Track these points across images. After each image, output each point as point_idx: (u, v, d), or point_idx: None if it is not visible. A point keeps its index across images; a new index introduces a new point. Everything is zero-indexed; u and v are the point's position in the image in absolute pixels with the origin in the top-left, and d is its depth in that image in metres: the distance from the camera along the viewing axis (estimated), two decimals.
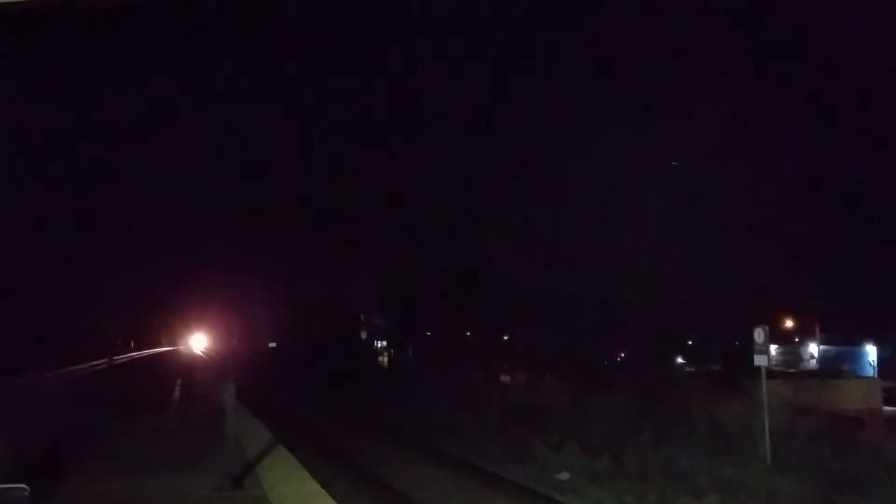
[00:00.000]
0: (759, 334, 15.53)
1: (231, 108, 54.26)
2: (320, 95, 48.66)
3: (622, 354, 35.74)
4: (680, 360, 40.69)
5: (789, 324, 42.14)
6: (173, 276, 54.26)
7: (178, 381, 23.05)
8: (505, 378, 33.36)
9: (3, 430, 12.16)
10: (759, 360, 15.48)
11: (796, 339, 44.59)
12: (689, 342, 39.95)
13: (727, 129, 24.77)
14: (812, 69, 29.78)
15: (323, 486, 11.94)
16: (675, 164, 26.94)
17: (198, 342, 50.17)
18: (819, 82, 29.83)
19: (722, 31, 25.60)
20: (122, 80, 44.80)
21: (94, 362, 34.91)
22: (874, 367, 38.17)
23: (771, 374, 18.66)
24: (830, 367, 37.74)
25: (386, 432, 21.12)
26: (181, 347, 57.07)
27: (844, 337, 40.95)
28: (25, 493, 3.55)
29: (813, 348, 42.40)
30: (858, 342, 40.02)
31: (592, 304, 28.91)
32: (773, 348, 29.93)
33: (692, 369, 38.23)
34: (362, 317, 50.17)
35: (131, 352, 53.54)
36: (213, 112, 52.80)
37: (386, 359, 50.12)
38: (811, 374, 37.28)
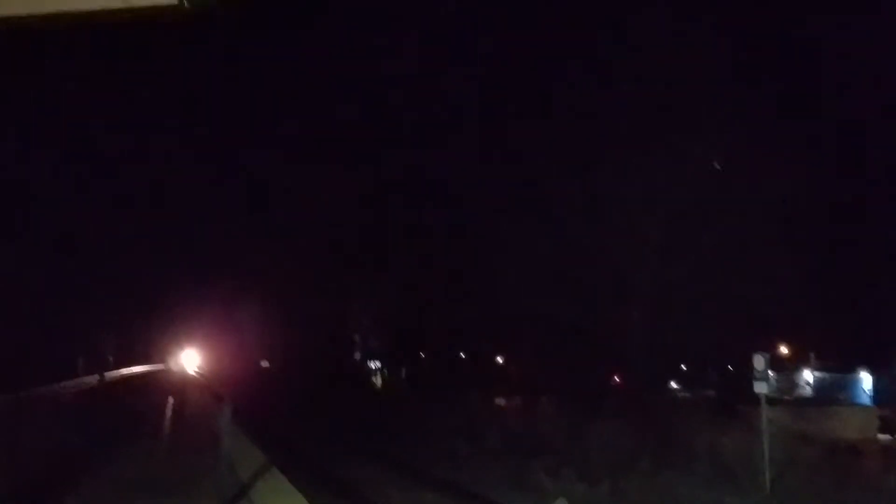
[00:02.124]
0: (759, 361, 15.42)
1: (232, 128, 54.38)
2: (319, 118, 48.90)
3: (617, 379, 35.62)
4: (674, 385, 40.61)
5: (784, 350, 42.12)
6: (163, 291, 53.92)
7: (171, 400, 22.81)
8: (500, 402, 33.12)
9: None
10: (759, 387, 15.36)
11: (789, 366, 44.53)
12: (683, 367, 39.93)
13: (727, 155, 24.90)
14: (818, 93, 29.99)
15: None
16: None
17: (189, 359, 49.55)
18: (824, 107, 30.06)
19: (724, 54, 25.77)
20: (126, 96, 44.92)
21: (84, 378, 34.64)
22: (869, 395, 38.11)
23: (767, 400, 18.54)
24: (826, 395, 37.70)
25: (381, 457, 20.85)
26: (171, 365, 56.28)
27: (839, 364, 40.93)
28: None
29: (808, 375, 42.33)
30: (853, 370, 39.97)
31: (588, 328, 28.85)
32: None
33: (687, 395, 38.13)
34: (356, 337, 49.91)
35: (116, 369, 53.02)
36: (214, 129, 52.92)
37: (380, 380, 49.81)
38: (806, 401, 37.25)
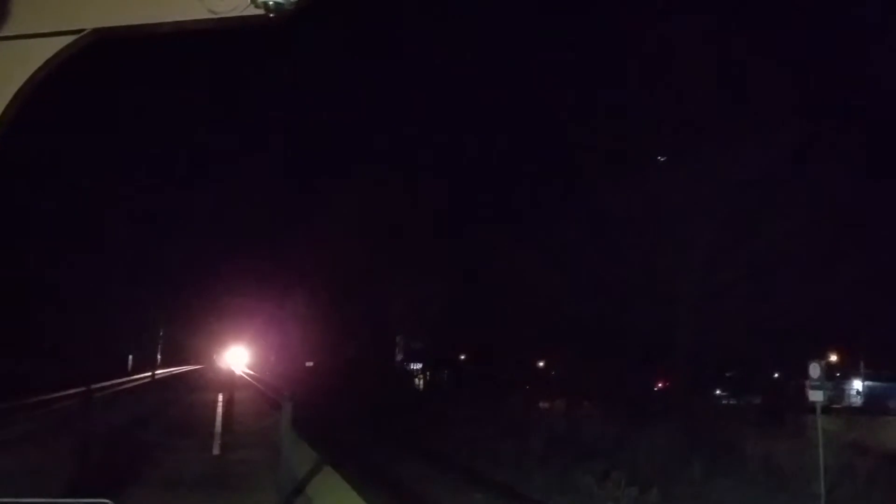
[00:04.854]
0: (814, 369, 15.16)
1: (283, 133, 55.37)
2: (365, 125, 49.63)
3: (659, 384, 35.33)
4: (718, 392, 40.11)
5: (833, 358, 41.34)
6: (206, 290, 54.70)
7: (221, 397, 23.22)
8: (544, 405, 33.07)
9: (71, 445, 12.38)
10: (815, 396, 15.09)
11: (838, 375, 43.71)
12: (728, 374, 39.38)
13: (778, 160, 24.58)
14: (867, 98, 29.42)
15: None
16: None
17: (237, 358, 49.50)
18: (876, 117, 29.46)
19: (773, 63, 25.45)
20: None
21: (136, 376, 35.67)
22: None
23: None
24: (877, 404, 36.94)
25: (429, 456, 21.01)
26: (218, 363, 56.53)
27: (891, 373, 40.07)
28: None
29: (857, 384, 41.54)
30: None
31: (633, 332, 28.69)
32: None
33: (732, 402, 37.64)
34: (399, 339, 50.18)
35: (165, 367, 53.83)
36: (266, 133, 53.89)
37: (421, 382, 50.04)
38: (857, 410, 36.54)
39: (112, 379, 29.96)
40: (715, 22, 25.65)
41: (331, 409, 32.49)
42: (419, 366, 51.50)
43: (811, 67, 25.76)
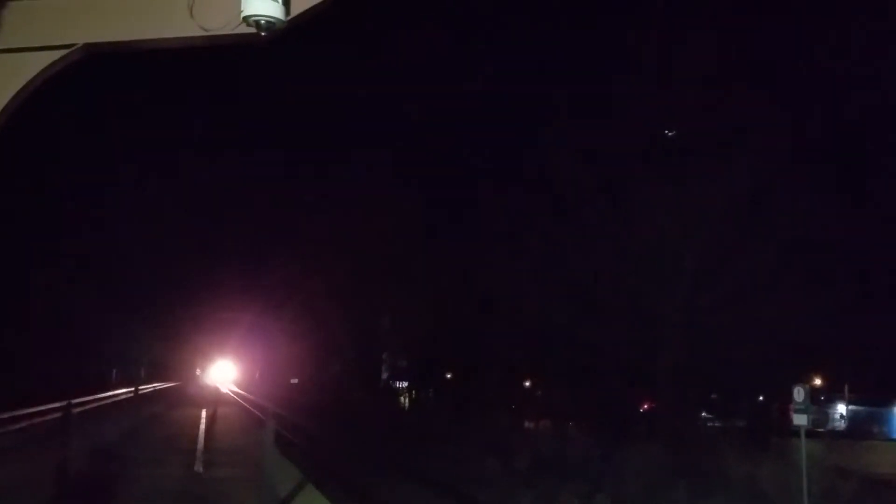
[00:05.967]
0: (799, 393, 15.24)
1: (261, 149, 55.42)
2: (347, 138, 49.78)
3: (645, 406, 35.38)
4: (704, 414, 40.21)
5: (817, 382, 41.54)
6: (191, 305, 54.29)
7: (205, 413, 23.11)
8: (529, 425, 33.02)
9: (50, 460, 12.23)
10: (799, 420, 15.17)
11: (822, 398, 43.89)
12: (713, 396, 39.51)
13: (763, 183, 24.80)
14: (852, 122, 29.78)
15: None
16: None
17: (222, 374, 48.63)
18: (862, 141, 29.78)
19: (757, 83, 25.76)
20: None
21: (119, 391, 35.49)
22: None
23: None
24: (860, 428, 37.04)
25: (413, 475, 20.88)
26: (202, 379, 55.57)
27: (874, 397, 40.25)
28: None
29: (841, 408, 41.69)
30: (889, 404, 39.29)
31: (619, 354, 28.73)
32: None
33: (717, 424, 37.74)
34: (385, 356, 50.00)
35: (149, 383, 53.20)
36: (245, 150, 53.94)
37: (406, 400, 49.83)
38: (840, 434, 36.64)
39: (94, 393, 29.70)
40: (702, 43, 25.93)
41: (314, 426, 32.31)
42: (405, 384, 51.30)
43: (797, 92, 26.05)
